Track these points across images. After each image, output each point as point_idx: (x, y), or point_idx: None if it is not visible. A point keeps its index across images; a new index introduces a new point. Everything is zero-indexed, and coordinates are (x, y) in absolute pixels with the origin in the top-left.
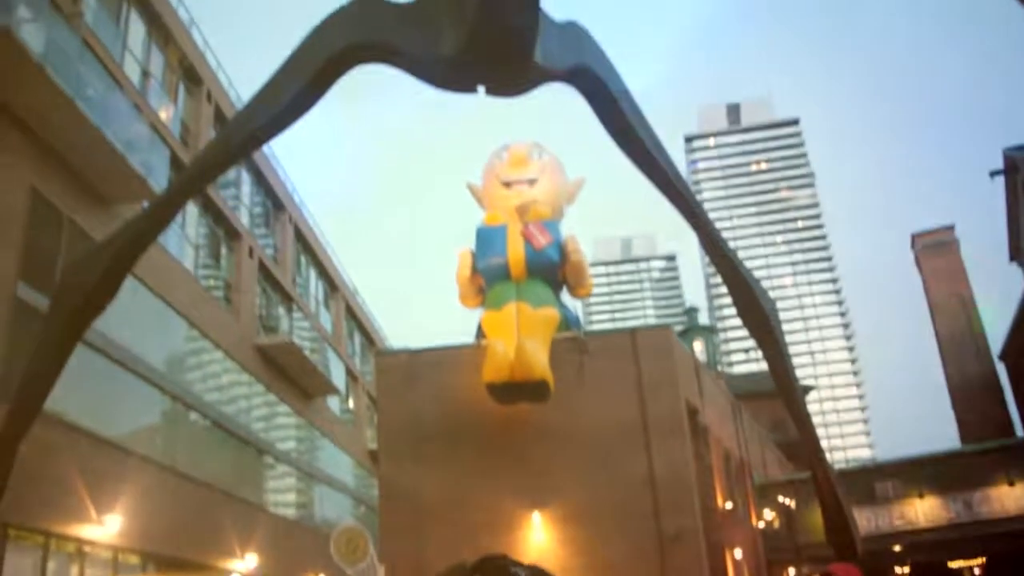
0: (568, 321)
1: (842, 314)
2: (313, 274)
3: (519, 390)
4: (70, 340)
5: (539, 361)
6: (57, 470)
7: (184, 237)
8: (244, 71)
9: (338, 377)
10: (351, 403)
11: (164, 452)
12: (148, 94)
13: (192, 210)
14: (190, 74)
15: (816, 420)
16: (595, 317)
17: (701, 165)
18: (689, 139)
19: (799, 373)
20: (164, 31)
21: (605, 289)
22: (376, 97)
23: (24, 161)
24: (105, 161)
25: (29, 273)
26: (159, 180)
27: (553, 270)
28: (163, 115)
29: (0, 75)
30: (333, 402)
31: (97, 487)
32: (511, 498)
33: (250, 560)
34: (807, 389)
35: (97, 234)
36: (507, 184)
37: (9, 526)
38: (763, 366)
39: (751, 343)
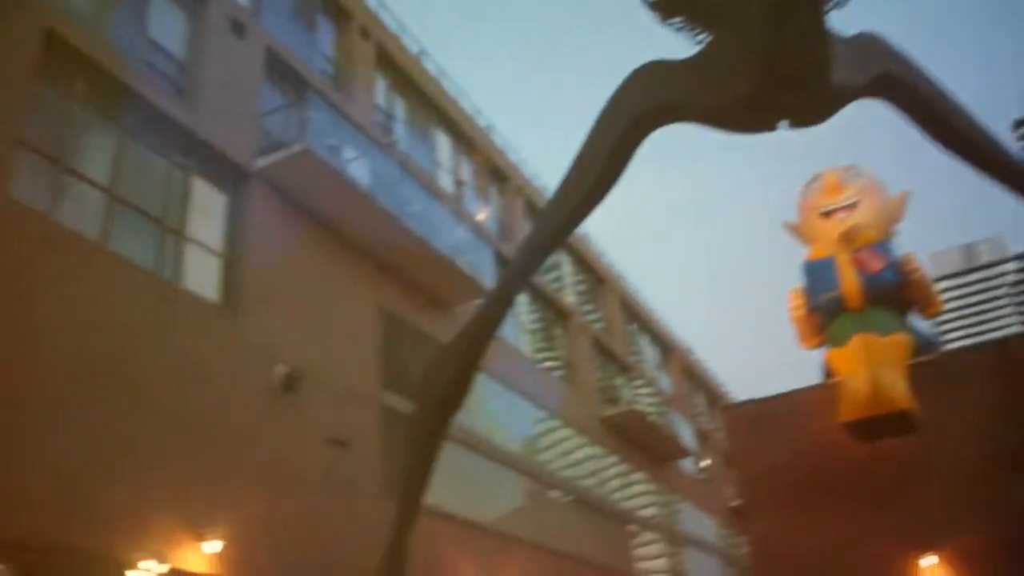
0: (922, 343)
1: None
2: (645, 340)
3: (880, 424)
4: (436, 438)
5: (898, 390)
6: (443, 556)
7: (519, 325)
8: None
9: (687, 438)
10: (704, 462)
11: (534, 531)
12: (463, 200)
13: (522, 299)
14: (497, 174)
15: None
16: (948, 335)
17: None
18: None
19: None
20: (467, 140)
21: (955, 303)
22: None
23: (370, 284)
24: (437, 268)
25: (388, 381)
26: (487, 277)
27: (894, 293)
28: (480, 216)
29: (338, 209)
30: (686, 464)
31: (481, 570)
32: (893, 541)
33: None
34: None
35: (440, 336)
36: (826, 214)
37: None
38: None
39: None
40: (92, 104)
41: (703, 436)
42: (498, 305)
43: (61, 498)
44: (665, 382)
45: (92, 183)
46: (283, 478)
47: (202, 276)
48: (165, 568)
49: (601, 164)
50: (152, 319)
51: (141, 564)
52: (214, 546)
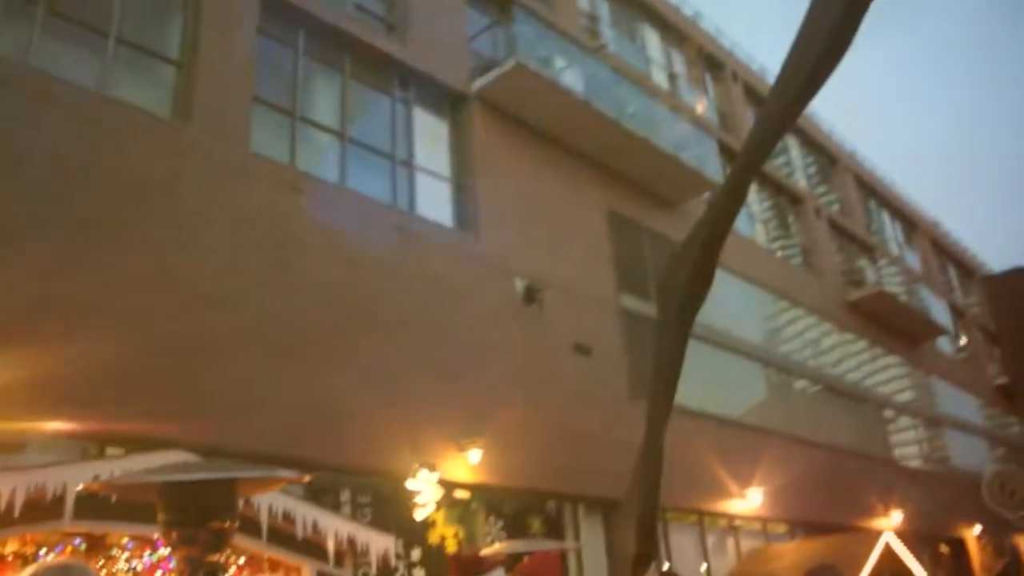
0: None
1: None
2: (886, 217)
3: None
4: (682, 336)
5: None
6: (697, 456)
7: (751, 216)
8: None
9: (941, 316)
10: (962, 340)
11: (782, 423)
12: (679, 94)
13: (751, 188)
14: (711, 62)
15: None
16: None
17: None
18: None
19: None
20: (675, 32)
21: None
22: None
23: (597, 189)
24: (661, 167)
25: (624, 284)
26: (712, 170)
27: None
28: (699, 109)
29: (557, 119)
30: (942, 343)
31: (734, 465)
32: None
33: (894, 516)
34: None
35: (671, 235)
36: None
37: (667, 510)
38: None
39: None
40: (313, 54)
41: (958, 313)
42: (731, 201)
43: (342, 424)
44: (912, 259)
45: (323, 128)
46: (532, 387)
47: (435, 202)
48: (436, 476)
49: (829, 31)
50: (394, 248)
51: (419, 474)
52: (474, 456)
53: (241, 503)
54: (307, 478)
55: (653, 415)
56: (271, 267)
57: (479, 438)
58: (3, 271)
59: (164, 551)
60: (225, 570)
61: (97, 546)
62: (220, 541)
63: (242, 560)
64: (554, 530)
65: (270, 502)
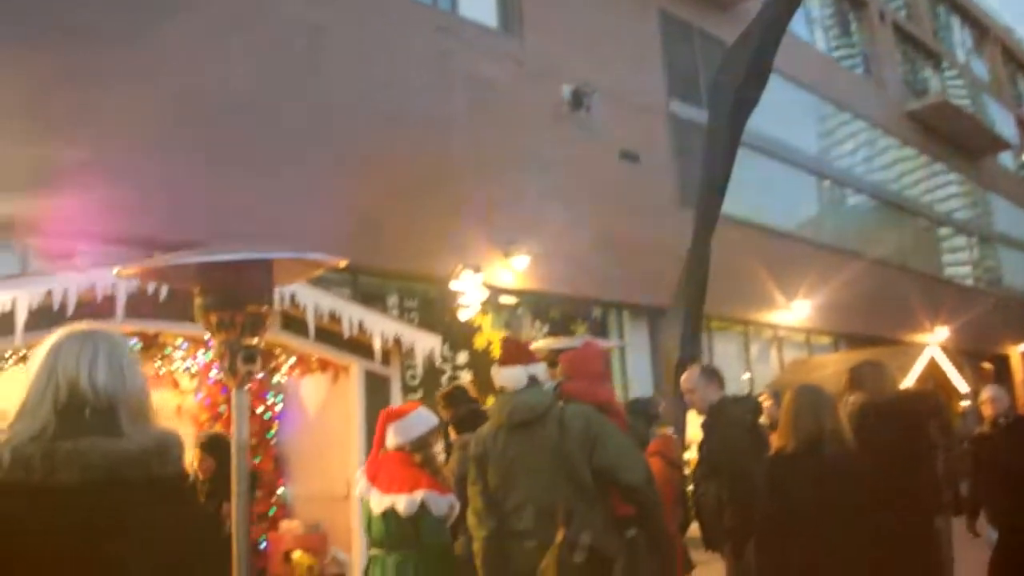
0: None
1: None
2: (955, 22)
3: None
4: (733, 139)
5: None
6: (743, 266)
7: (809, 20)
8: None
9: (1006, 129)
10: None
11: (833, 236)
12: None
13: None
14: None
15: None
16: None
17: None
18: None
19: None
20: None
21: None
22: None
23: None
24: None
25: (675, 89)
26: None
27: None
28: None
29: None
30: (1005, 158)
31: (781, 277)
32: None
33: (939, 332)
34: None
35: (725, 38)
36: None
37: (712, 319)
38: None
39: None
40: None
41: None
42: (784, 2)
43: (386, 230)
44: (979, 68)
45: None
46: (579, 195)
47: (478, 2)
48: (480, 277)
49: None
50: (436, 50)
51: (462, 275)
52: (520, 262)
53: (286, 297)
54: (343, 263)
55: (701, 222)
56: (308, 76)
57: (525, 245)
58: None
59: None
60: (262, 355)
61: (152, 345)
62: (257, 325)
63: (292, 360)
64: (599, 336)
65: (316, 301)
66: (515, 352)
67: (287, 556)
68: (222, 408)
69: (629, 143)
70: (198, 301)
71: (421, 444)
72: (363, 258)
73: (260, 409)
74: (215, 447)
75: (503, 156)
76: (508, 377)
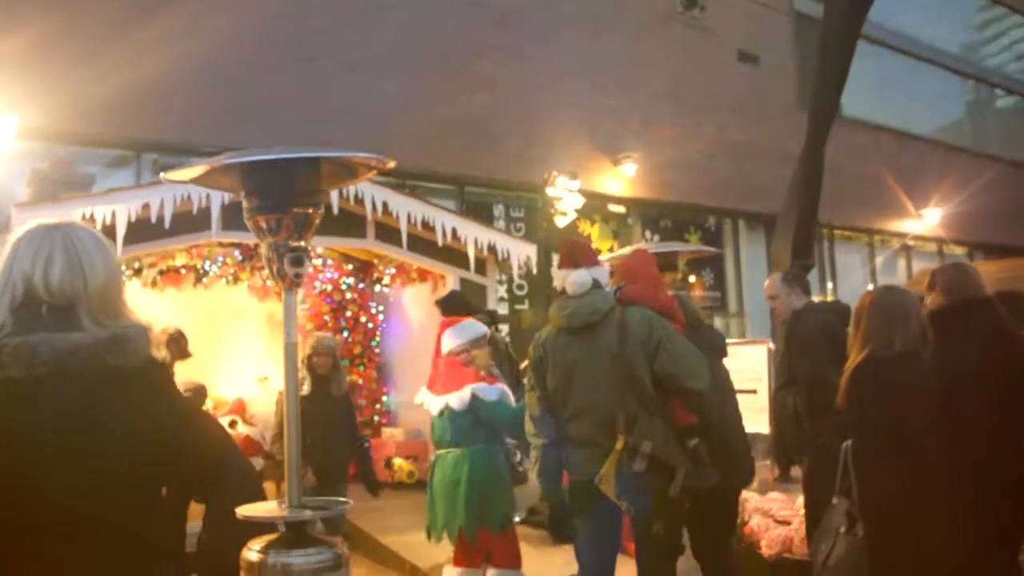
0: None
1: None
2: None
3: None
4: (852, 31)
5: None
6: (869, 172)
7: None
8: None
9: None
10: None
11: (974, 140)
12: None
13: None
14: None
15: None
16: None
17: None
18: None
19: None
20: None
21: None
22: None
23: None
24: None
25: None
26: None
27: None
28: None
29: None
30: None
31: (912, 183)
32: None
33: None
34: None
35: None
36: None
37: (833, 227)
38: None
39: None
40: None
41: None
42: None
43: (490, 139)
44: None
45: None
46: (692, 98)
47: None
48: (576, 184)
49: None
50: None
51: (556, 181)
52: (629, 169)
53: (378, 205)
54: (391, 163)
55: (814, 123)
56: None
57: (634, 152)
58: None
59: (316, 262)
60: (310, 257)
61: (251, 256)
62: (304, 228)
63: (392, 269)
64: (713, 245)
65: (408, 209)
66: (577, 254)
67: (389, 462)
68: (327, 317)
69: (747, 43)
70: (246, 205)
71: (470, 348)
72: (468, 167)
73: (363, 319)
74: (323, 350)
75: (612, 60)
76: (571, 280)
